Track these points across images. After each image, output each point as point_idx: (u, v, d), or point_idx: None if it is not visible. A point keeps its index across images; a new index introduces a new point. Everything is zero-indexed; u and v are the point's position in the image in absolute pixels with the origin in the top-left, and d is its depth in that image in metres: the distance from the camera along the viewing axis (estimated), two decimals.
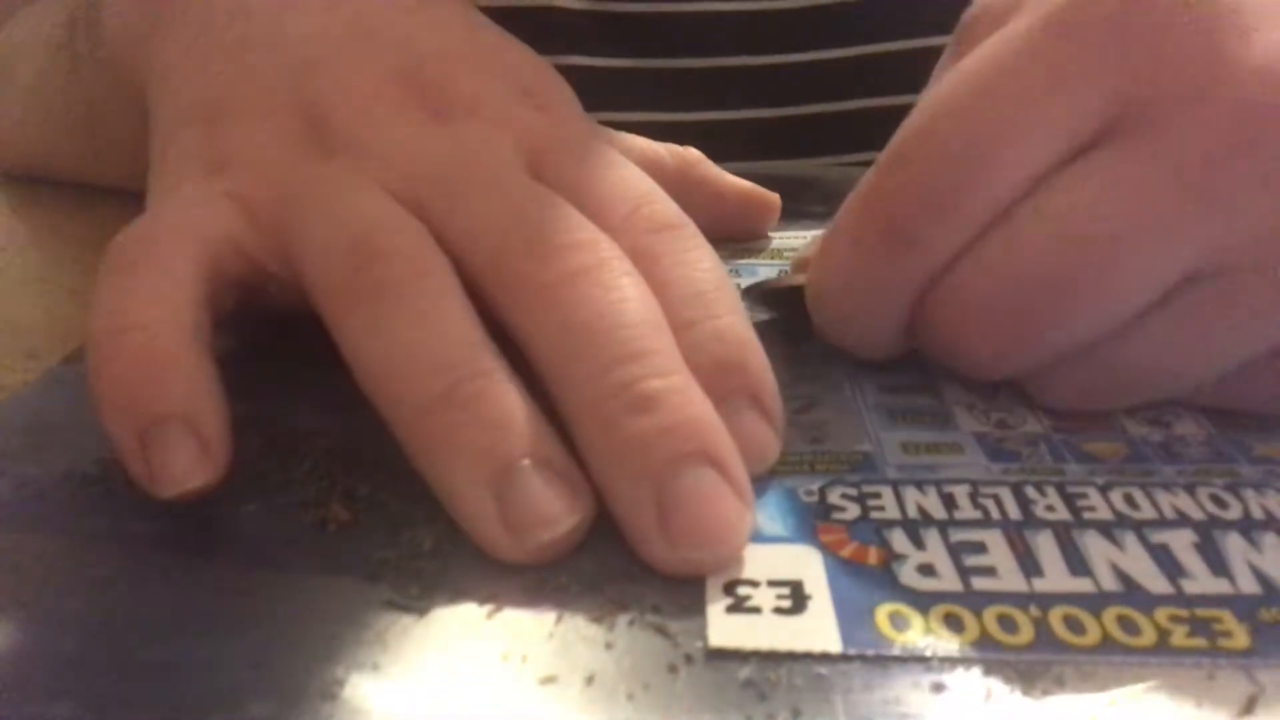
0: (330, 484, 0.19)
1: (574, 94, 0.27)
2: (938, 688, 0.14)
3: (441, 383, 0.18)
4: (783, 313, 0.25)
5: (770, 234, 0.31)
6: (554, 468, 0.17)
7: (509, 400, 0.18)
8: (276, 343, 0.23)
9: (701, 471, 0.17)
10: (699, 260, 0.21)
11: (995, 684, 0.14)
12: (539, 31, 0.28)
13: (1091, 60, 0.18)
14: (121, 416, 0.18)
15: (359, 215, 0.21)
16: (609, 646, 0.15)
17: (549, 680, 0.14)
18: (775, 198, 0.31)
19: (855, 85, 0.46)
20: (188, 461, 0.18)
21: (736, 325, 0.20)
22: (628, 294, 0.19)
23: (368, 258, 0.20)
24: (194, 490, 0.18)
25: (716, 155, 0.31)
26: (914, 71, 0.46)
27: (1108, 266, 0.18)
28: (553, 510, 0.17)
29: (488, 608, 0.16)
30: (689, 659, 0.15)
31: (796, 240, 0.31)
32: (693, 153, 0.30)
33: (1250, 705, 0.14)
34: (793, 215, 0.32)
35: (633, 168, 0.24)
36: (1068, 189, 0.19)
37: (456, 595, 0.16)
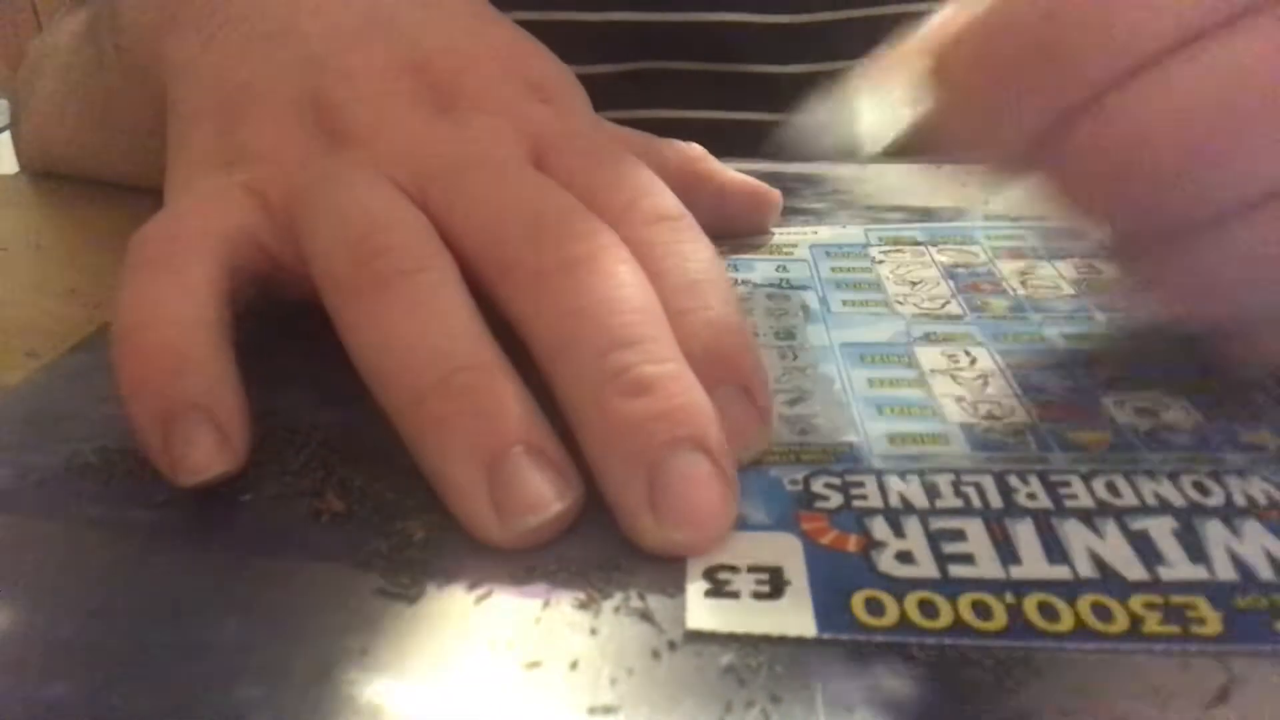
0: (325, 475, 0.19)
1: (582, 89, 0.27)
2: (915, 675, 0.14)
3: (437, 372, 0.18)
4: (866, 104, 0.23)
5: (772, 229, 0.31)
6: (545, 455, 0.18)
7: (504, 390, 0.18)
8: (274, 338, 0.23)
9: (692, 456, 0.17)
10: (695, 251, 0.21)
11: (972, 672, 0.14)
12: (556, 43, 0.28)
13: None
14: (145, 407, 0.19)
15: (363, 208, 0.21)
16: (593, 632, 0.15)
17: (534, 665, 0.15)
18: (776, 194, 0.31)
19: None
20: (208, 451, 0.18)
21: (730, 316, 0.20)
22: (624, 280, 0.19)
23: (370, 251, 0.20)
24: (213, 479, 0.18)
25: (719, 154, 0.31)
26: None
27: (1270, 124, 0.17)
28: (542, 496, 0.17)
29: (475, 595, 0.16)
30: (672, 645, 0.15)
31: (797, 236, 0.31)
32: (696, 149, 0.30)
33: (1223, 694, 0.14)
34: (793, 212, 0.32)
35: (635, 161, 0.24)
36: (1229, 45, 0.18)
37: (446, 583, 0.16)
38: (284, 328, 0.24)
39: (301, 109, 0.24)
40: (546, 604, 0.16)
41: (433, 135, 0.23)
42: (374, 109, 0.24)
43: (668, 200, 0.23)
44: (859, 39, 0.46)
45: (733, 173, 0.31)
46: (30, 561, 0.17)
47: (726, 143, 0.32)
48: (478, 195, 0.22)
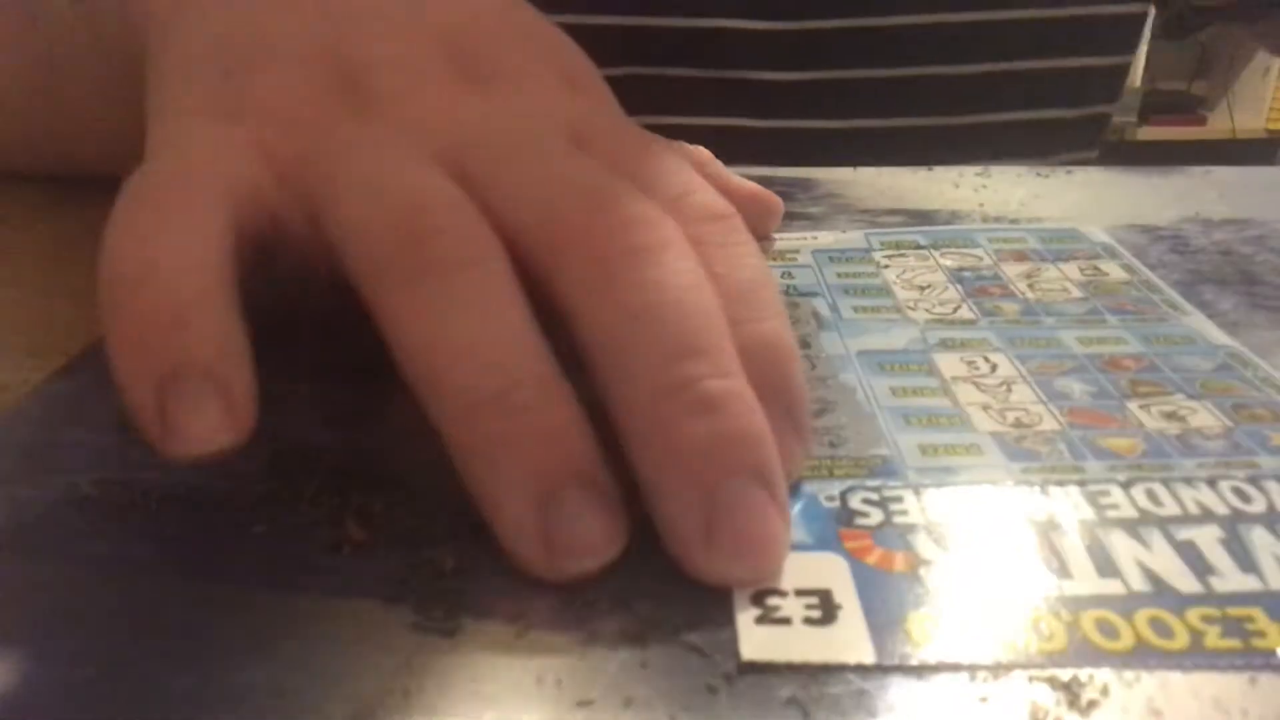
0: (343, 502, 0.18)
1: (608, 87, 0.26)
2: (983, 699, 0.14)
3: (494, 384, 0.17)
4: None
5: (773, 235, 0.31)
6: (599, 493, 0.17)
7: (563, 414, 0.17)
8: (271, 355, 0.22)
9: (752, 487, 0.16)
10: (747, 255, 0.20)
11: (1040, 693, 0.14)
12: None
13: None
14: (138, 365, 0.16)
15: (404, 186, 0.19)
16: (644, 666, 0.15)
17: (586, 703, 0.14)
18: (778, 199, 0.31)
19: (848, 104, 0.47)
20: (210, 419, 0.16)
21: (783, 330, 0.19)
22: (689, 281, 0.18)
23: (416, 235, 0.18)
24: (212, 453, 0.16)
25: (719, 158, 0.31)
26: (893, 96, 0.47)
27: None
28: (594, 539, 0.16)
29: (516, 628, 0.15)
30: (727, 678, 0.14)
31: (798, 241, 0.30)
32: (703, 153, 0.30)
33: None
34: (789, 217, 0.32)
35: (678, 157, 0.23)
36: None
37: (483, 616, 0.16)
38: (274, 344, 0.23)
39: (322, 69, 0.22)
40: (591, 637, 0.15)
41: (470, 106, 0.21)
42: (403, 73, 0.22)
43: (716, 197, 0.21)
44: (851, 47, 0.46)
45: (738, 177, 0.30)
46: (28, 606, 0.16)
47: (717, 149, 0.32)
48: (524, 171, 0.20)
